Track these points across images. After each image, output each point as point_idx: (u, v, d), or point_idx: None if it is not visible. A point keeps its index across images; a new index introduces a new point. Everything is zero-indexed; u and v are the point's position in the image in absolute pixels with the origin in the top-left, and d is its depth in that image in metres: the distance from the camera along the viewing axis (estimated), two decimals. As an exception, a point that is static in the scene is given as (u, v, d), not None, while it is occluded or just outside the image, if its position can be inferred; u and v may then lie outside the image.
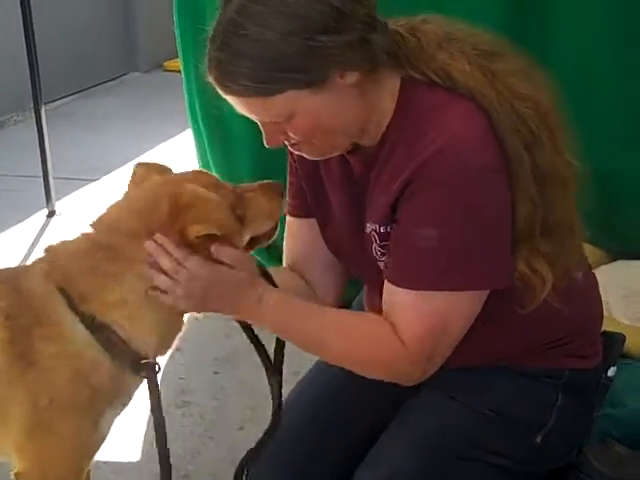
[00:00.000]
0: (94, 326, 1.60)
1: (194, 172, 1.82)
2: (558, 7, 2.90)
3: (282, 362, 1.84)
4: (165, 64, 8.30)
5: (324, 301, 1.93)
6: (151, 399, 1.68)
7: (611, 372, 1.87)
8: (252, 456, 1.88)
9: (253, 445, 1.88)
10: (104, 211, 1.73)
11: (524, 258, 1.61)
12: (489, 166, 1.55)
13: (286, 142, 1.66)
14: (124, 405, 1.71)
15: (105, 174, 5.28)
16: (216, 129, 3.49)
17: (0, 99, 6.38)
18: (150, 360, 1.65)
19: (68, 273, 1.63)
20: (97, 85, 7.80)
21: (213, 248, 1.61)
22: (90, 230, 1.70)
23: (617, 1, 2.87)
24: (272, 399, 1.82)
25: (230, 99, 1.61)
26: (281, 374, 1.83)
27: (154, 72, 8.46)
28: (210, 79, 1.60)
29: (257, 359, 1.77)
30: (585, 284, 1.86)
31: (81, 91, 7.53)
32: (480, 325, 1.66)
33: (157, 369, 1.67)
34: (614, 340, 1.92)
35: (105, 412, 1.66)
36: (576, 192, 1.67)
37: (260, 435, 1.86)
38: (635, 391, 2.28)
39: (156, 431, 1.71)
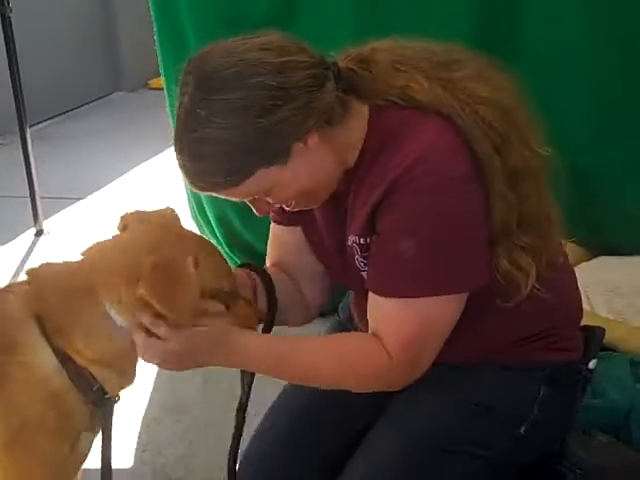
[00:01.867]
0: (64, 359, 1.62)
1: (200, 240, 1.80)
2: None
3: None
4: (150, 82, 8.33)
5: (310, 304, 1.99)
6: (103, 436, 1.71)
7: (592, 364, 1.91)
8: (232, 458, 1.92)
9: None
10: (94, 242, 1.73)
11: (505, 255, 1.65)
12: (460, 176, 1.59)
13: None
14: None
15: (91, 193, 5.31)
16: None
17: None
18: (111, 396, 1.68)
19: (46, 302, 1.64)
20: (82, 106, 7.83)
21: (147, 320, 1.61)
22: (76, 259, 1.70)
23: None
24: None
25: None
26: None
27: (139, 91, 8.51)
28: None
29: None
30: (564, 274, 1.90)
31: (66, 112, 7.57)
32: (462, 324, 1.69)
33: (116, 402, 1.71)
34: (594, 334, 1.96)
35: (82, 435, 1.69)
36: (549, 181, 1.71)
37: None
38: (615, 381, 2.33)
39: (102, 467, 1.74)
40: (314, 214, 1.88)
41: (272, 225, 2.01)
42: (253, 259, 3.36)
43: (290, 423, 1.98)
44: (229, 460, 1.93)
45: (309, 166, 1.63)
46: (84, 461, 1.73)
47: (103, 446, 1.73)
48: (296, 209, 1.76)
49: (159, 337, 1.62)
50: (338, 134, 1.65)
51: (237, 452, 1.92)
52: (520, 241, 1.66)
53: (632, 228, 3.11)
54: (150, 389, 2.88)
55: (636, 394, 2.34)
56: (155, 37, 3.45)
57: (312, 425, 1.97)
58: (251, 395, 1.86)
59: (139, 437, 2.69)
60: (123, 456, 2.64)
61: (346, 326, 2.06)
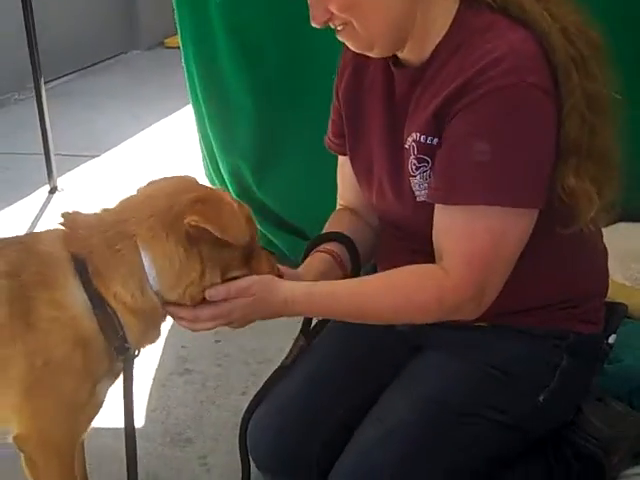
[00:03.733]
0: (98, 301, 1.62)
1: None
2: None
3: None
4: (166, 41, 8.28)
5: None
6: (124, 385, 1.71)
7: (612, 339, 1.90)
8: (253, 406, 1.96)
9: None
10: (117, 200, 1.73)
11: (573, 170, 1.61)
12: (538, 83, 1.56)
13: (331, 24, 1.68)
14: (117, 376, 1.73)
15: (106, 150, 5.27)
16: (215, 102, 3.48)
17: (0, 78, 6.36)
18: (130, 347, 1.67)
19: (86, 244, 1.64)
20: (98, 63, 7.78)
21: (207, 293, 1.65)
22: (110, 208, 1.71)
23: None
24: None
25: None
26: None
27: (155, 49, 8.45)
28: None
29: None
30: (600, 241, 1.88)
31: (81, 69, 7.51)
32: (522, 264, 1.65)
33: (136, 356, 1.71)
34: (616, 309, 1.94)
35: (102, 379, 1.68)
36: (617, 126, 1.67)
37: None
38: (631, 348, 2.30)
39: (125, 418, 1.74)
40: (366, 124, 1.84)
41: (339, 159, 2.03)
42: (266, 217, 3.36)
43: (302, 382, 1.96)
44: (244, 418, 1.95)
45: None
46: (99, 410, 1.72)
47: (125, 400, 1.71)
48: (341, 39, 1.71)
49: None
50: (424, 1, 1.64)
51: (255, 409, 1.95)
52: (587, 167, 1.62)
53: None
54: (160, 350, 2.86)
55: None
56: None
57: (324, 385, 1.96)
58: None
59: (149, 397, 2.67)
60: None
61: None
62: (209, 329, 1.72)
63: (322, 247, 1.94)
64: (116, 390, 1.73)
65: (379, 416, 1.83)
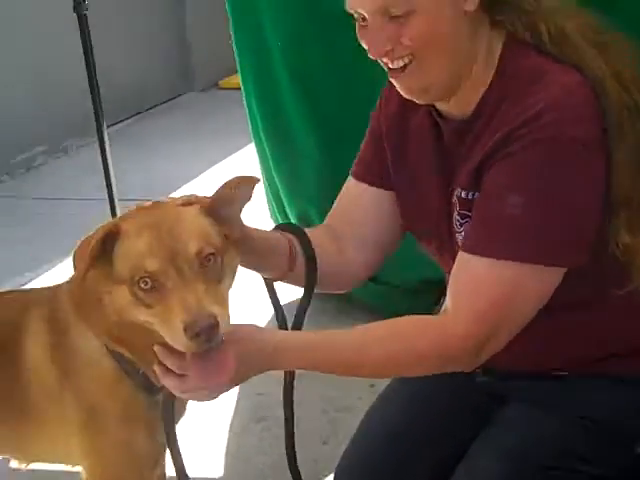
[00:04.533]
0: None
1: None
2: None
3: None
4: (220, 82, 8.37)
5: (351, 273, 1.89)
6: (165, 429, 1.63)
7: None
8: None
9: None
10: None
11: (626, 226, 1.55)
12: (583, 137, 1.50)
13: (387, 63, 1.60)
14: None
15: (168, 194, 5.26)
16: (279, 143, 3.46)
17: (63, 125, 6.47)
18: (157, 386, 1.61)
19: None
20: (155, 107, 7.86)
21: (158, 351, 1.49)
22: None
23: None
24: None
25: None
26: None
27: (209, 91, 8.51)
28: None
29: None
30: None
31: (139, 113, 7.60)
32: (576, 315, 1.60)
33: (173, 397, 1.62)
34: None
35: (154, 424, 1.64)
36: None
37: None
38: None
39: (174, 464, 1.68)
40: (413, 170, 1.77)
41: (350, 182, 1.91)
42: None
43: (381, 437, 1.89)
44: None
45: (453, 22, 1.56)
46: (162, 455, 1.70)
47: (169, 446, 1.65)
48: (394, 79, 1.63)
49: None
50: (479, 36, 1.60)
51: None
52: None
53: None
54: (235, 396, 2.81)
55: None
56: (232, 33, 3.41)
57: (405, 439, 1.88)
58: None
59: (227, 446, 2.62)
60: (212, 465, 2.58)
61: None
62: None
63: (286, 234, 1.82)
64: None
65: (468, 472, 1.75)
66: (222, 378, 1.48)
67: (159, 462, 1.72)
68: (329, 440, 2.52)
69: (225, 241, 1.53)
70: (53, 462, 1.83)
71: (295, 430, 2.62)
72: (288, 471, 2.41)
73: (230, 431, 2.69)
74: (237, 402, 2.82)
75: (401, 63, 1.59)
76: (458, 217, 1.65)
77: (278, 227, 1.91)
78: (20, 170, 6.20)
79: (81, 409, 1.62)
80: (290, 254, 1.77)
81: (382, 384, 1.97)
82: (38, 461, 1.82)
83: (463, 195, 1.63)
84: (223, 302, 1.45)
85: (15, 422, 1.70)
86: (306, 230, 1.86)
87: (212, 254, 1.46)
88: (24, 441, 1.73)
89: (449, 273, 1.64)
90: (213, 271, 1.46)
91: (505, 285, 1.53)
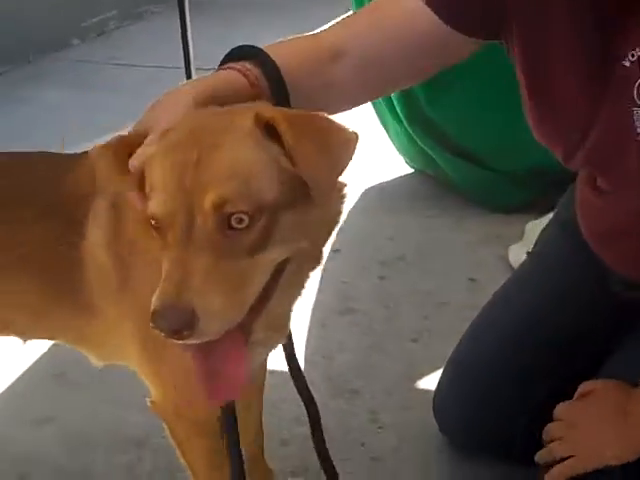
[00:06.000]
0: None
1: None
2: None
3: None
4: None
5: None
6: None
7: None
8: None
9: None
10: None
11: None
12: None
13: None
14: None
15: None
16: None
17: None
18: None
19: None
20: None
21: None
22: None
23: None
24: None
25: None
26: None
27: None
28: None
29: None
30: None
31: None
32: None
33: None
34: None
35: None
36: None
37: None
38: None
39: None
40: (550, 32, 1.34)
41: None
42: (435, 139, 3.02)
43: (499, 340, 1.70)
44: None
45: None
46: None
47: (228, 448, 1.42)
48: None
49: None
50: None
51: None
52: None
53: None
54: (317, 284, 2.59)
55: None
56: None
57: (529, 344, 1.67)
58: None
59: (307, 339, 2.41)
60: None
61: (568, 226, 1.70)
62: None
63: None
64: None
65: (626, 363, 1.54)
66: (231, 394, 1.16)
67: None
68: (421, 338, 2.32)
69: (288, 191, 1.07)
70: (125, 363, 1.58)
71: (384, 326, 2.42)
72: (378, 371, 2.22)
73: (311, 322, 2.49)
74: (318, 289, 2.60)
75: None
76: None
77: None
78: (92, 34, 6.09)
79: (139, 321, 1.36)
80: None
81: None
82: (111, 361, 1.59)
83: None
84: (229, 291, 1.03)
85: (75, 310, 1.49)
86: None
87: (244, 213, 1.04)
88: (86, 331, 1.52)
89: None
90: (240, 239, 1.04)
91: None
